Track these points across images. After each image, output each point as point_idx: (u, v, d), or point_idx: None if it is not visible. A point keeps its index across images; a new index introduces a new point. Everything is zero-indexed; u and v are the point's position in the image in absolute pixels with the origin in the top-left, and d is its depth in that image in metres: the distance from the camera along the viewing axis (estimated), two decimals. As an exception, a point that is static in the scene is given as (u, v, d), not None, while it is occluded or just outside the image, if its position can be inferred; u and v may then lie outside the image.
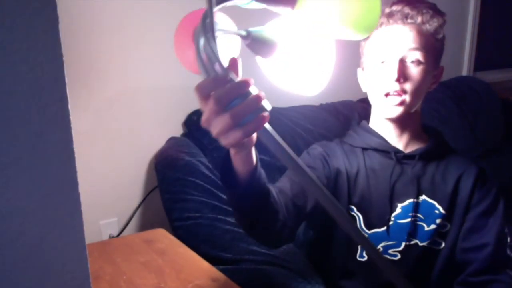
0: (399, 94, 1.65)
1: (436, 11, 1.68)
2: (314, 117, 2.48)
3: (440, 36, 1.69)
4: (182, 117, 2.35)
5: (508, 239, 1.71)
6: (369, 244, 0.98)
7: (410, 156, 1.75)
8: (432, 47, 1.68)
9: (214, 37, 0.91)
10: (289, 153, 0.88)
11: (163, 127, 2.32)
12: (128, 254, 1.70)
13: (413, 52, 1.64)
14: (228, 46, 1.10)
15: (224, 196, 1.95)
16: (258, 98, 0.88)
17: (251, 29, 1.07)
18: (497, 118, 3.36)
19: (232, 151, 1.13)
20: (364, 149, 1.79)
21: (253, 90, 0.89)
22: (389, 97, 1.66)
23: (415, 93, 1.66)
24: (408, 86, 1.64)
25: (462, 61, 3.78)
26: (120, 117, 2.21)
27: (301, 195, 1.56)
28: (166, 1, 2.20)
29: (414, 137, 1.78)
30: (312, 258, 1.92)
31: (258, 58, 1.13)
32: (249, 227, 1.39)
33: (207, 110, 0.91)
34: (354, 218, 1.72)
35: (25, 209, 0.68)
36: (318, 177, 1.69)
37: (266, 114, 0.88)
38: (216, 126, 0.91)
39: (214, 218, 1.89)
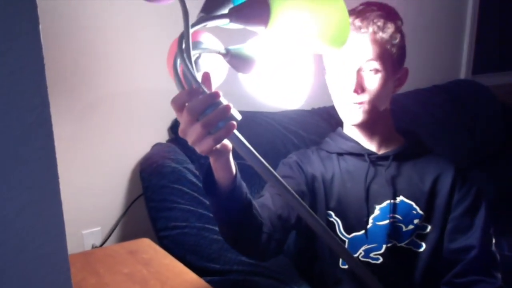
0: (358, 104, 1.71)
1: (389, 18, 1.71)
2: (306, 122, 2.49)
3: (396, 40, 1.72)
4: (168, 122, 2.37)
5: (494, 240, 1.76)
6: (342, 248, 1.11)
7: (384, 158, 1.81)
8: (389, 53, 1.72)
9: (189, 56, 1.05)
10: (259, 159, 1.01)
11: (148, 133, 2.33)
12: (111, 265, 1.70)
13: (370, 62, 1.69)
14: (216, 63, 1.23)
15: (212, 205, 1.96)
16: (227, 108, 1.00)
17: (230, 47, 1.19)
18: (497, 123, 3.38)
19: (211, 160, 1.22)
20: (339, 154, 1.85)
21: (223, 101, 1.02)
22: (349, 105, 1.73)
23: (374, 101, 1.72)
24: (366, 96, 1.71)
25: (460, 63, 3.80)
26: (104, 122, 2.21)
27: (284, 207, 1.63)
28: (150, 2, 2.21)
29: (386, 139, 1.84)
30: (302, 268, 1.94)
31: (240, 75, 1.24)
32: (234, 241, 1.49)
33: (182, 121, 1.05)
34: (333, 223, 1.78)
35: (5, 218, 0.69)
36: (299, 184, 1.77)
37: (234, 122, 1.02)
38: (191, 135, 1.04)
39: (201, 227, 1.89)
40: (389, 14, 1.72)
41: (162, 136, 2.36)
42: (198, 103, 1.00)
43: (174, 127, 2.34)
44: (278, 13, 1.09)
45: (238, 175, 1.29)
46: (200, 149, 1.05)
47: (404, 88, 1.85)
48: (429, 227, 1.76)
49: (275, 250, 1.56)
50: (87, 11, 2.09)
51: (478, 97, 3.36)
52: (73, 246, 2.17)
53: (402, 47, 1.75)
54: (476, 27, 3.77)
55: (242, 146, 1.02)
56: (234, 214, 1.35)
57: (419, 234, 1.76)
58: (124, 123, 2.27)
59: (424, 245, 1.76)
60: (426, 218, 1.76)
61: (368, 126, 1.78)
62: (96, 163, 2.24)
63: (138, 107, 2.29)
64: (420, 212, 1.75)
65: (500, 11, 4.06)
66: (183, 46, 1.05)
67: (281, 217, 1.59)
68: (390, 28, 1.70)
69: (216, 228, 1.90)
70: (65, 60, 2.07)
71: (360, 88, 1.69)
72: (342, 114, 1.78)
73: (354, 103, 1.71)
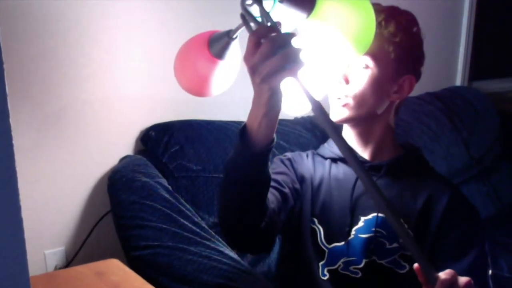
0: (343, 97, 1.78)
1: (391, 15, 1.74)
2: (288, 132, 2.50)
3: (396, 39, 1.73)
4: (137, 133, 2.37)
5: (490, 271, 1.77)
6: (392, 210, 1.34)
7: (376, 168, 1.84)
8: (385, 51, 1.76)
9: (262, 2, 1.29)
10: (318, 103, 1.29)
11: (116, 144, 2.33)
12: (76, 288, 1.70)
13: (361, 57, 1.73)
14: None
15: (186, 222, 1.96)
16: (300, 50, 1.22)
17: None
18: (495, 133, 3.39)
19: (261, 114, 1.33)
20: (333, 160, 1.90)
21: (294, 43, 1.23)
22: (335, 100, 1.80)
23: (359, 97, 1.77)
24: (351, 89, 1.77)
25: (455, 69, 3.82)
26: (68, 132, 2.21)
27: (276, 201, 1.70)
28: (118, 2, 2.20)
29: (382, 150, 1.88)
30: (285, 283, 1.98)
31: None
32: (239, 214, 1.53)
33: (258, 53, 1.22)
34: (315, 231, 1.82)
35: (-40, 237, 0.68)
36: (294, 181, 1.85)
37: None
38: (267, 65, 1.21)
39: (174, 247, 1.89)
40: (392, 12, 1.75)
41: (132, 148, 2.37)
42: (283, 36, 1.22)
43: (144, 138, 2.33)
44: (323, 4, 1.34)
45: (274, 143, 1.44)
46: (273, 81, 1.24)
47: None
48: None
49: (266, 244, 1.66)
50: (49, 12, 2.09)
51: (475, 106, 3.37)
52: (34, 267, 2.15)
53: (405, 49, 1.78)
54: (473, 30, 3.78)
55: (304, 87, 1.26)
56: (256, 181, 1.44)
57: (403, 254, 1.77)
58: (90, 134, 2.27)
59: (407, 266, 1.77)
60: (414, 239, 1.76)
61: (361, 131, 1.84)
62: (59, 177, 2.23)
63: (105, 117, 2.29)
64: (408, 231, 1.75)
65: (500, 11, 4.07)
66: None
67: (274, 211, 1.64)
68: (392, 27, 1.72)
69: (191, 248, 1.90)
70: (26, 65, 2.07)
71: (346, 80, 1.75)
72: (330, 110, 1.82)
73: (338, 97, 1.77)
